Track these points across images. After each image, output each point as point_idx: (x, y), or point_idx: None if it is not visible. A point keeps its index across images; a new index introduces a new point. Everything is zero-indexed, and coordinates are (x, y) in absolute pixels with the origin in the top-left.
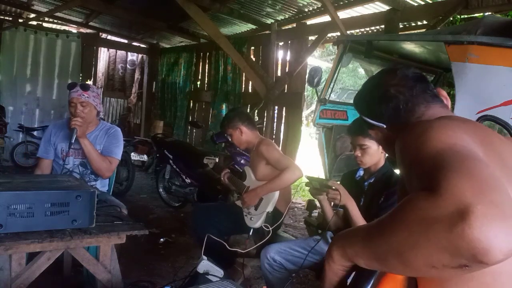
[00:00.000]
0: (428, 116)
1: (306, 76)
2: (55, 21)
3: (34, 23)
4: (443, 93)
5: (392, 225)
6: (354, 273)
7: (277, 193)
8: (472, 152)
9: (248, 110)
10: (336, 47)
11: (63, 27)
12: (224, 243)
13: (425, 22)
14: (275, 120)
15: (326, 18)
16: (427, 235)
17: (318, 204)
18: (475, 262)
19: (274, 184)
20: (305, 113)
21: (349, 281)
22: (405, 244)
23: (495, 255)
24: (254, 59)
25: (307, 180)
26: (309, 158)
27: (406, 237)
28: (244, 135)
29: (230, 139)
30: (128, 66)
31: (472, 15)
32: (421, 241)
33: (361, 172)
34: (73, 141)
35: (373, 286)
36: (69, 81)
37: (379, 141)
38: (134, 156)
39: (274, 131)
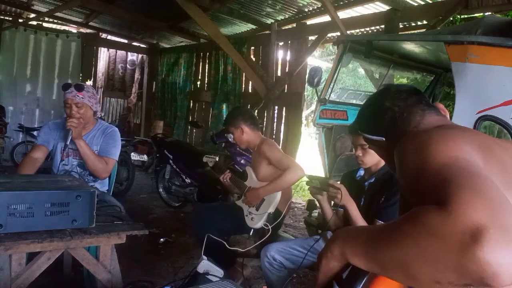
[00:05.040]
0: (424, 124)
1: (306, 76)
2: (55, 21)
3: (34, 23)
4: (441, 106)
5: (399, 237)
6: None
7: (279, 195)
8: (476, 167)
9: None
10: (336, 47)
11: (63, 27)
12: (224, 243)
13: (425, 22)
14: (275, 120)
15: (326, 18)
16: (436, 252)
17: (318, 204)
18: (482, 284)
19: (276, 184)
20: (305, 113)
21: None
22: (411, 258)
23: (503, 280)
24: (254, 59)
25: (308, 179)
26: (309, 158)
27: (413, 251)
28: (245, 134)
29: (231, 138)
30: (128, 66)
31: (472, 15)
32: (428, 257)
33: (361, 172)
34: (68, 143)
35: (366, 284)
36: (69, 81)
37: (382, 156)
38: (134, 156)
39: (274, 131)
